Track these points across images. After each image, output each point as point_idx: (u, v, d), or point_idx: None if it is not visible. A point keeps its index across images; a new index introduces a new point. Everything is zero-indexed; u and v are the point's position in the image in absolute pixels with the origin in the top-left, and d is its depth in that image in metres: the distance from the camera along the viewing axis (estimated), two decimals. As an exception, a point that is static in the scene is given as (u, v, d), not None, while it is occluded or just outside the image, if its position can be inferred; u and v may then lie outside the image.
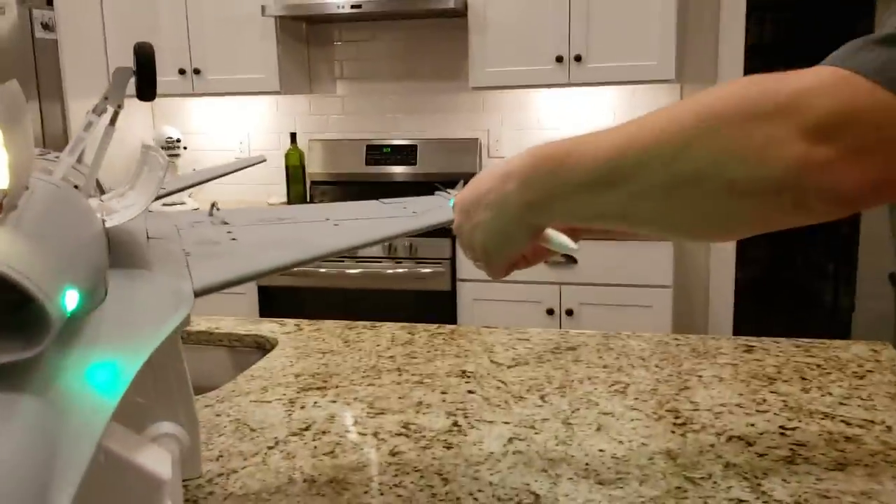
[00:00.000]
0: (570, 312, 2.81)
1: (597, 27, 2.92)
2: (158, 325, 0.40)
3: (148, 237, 0.60)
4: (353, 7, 3.06)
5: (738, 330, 3.27)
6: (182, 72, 3.33)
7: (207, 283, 0.49)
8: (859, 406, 1.00)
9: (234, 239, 0.62)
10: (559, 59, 2.94)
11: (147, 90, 0.59)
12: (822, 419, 0.96)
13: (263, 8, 3.13)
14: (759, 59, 4.33)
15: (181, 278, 0.50)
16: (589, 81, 2.99)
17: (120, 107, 0.60)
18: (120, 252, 0.52)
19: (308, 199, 3.58)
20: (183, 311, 0.43)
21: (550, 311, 2.84)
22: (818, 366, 1.14)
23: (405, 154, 3.46)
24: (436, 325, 1.39)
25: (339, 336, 1.34)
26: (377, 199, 0.85)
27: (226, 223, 0.68)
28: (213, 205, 0.71)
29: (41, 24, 2.92)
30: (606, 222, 0.64)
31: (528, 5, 2.98)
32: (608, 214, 0.61)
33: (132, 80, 0.60)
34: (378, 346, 1.29)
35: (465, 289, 2.93)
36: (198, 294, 0.47)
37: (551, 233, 0.70)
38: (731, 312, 3.25)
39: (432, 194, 0.90)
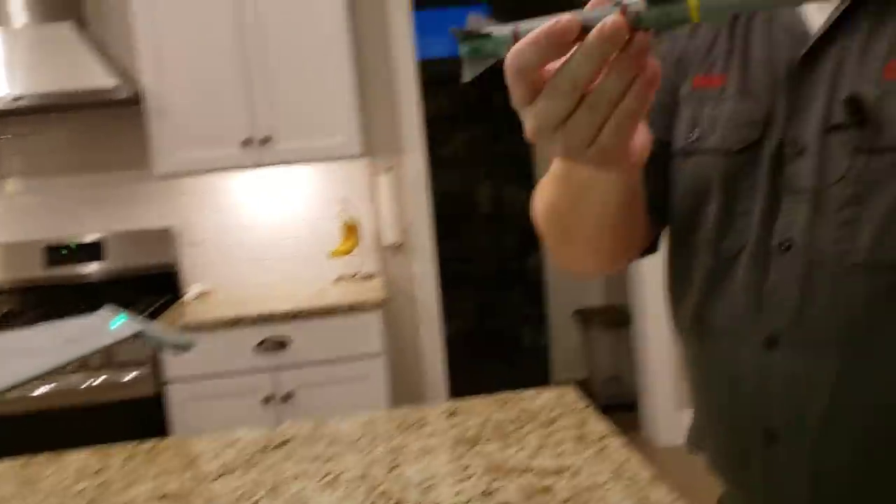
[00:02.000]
0: (287, 398, 2.74)
1: (282, 109, 2.94)
2: None
3: None
4: (14, 100, 2.78)
5: (454, 383, 3.42)
6: None
7: None
8: (550, 455, 1.07)
9: None
10: (247, 142, 2.92)
11: None
12: (521, 475, 1.02)
13: None
14: (437, 127, 4.67)
15: None
16: (278, 162, 2.99)
17: None
18: None
19: (-22, 314, 3.14)
20: None
21: (267, 400, 2.74)
22: (513, 420, 1.22)
23: (91, 251, 3.19)
24: (133, 444, 1.27)
25: (14, 478, 1.17)
26: (63, 303, 0.76)
27: None
28: None
29: None
30: None
31: (210, 90, 2.92)
32: None
33: None
34: (65, 480, 1.14)
35: (174, 390, 2.74)
36: None
37: None
38: (443, 369, 3.39)
39: (112, 303, 0.83)
